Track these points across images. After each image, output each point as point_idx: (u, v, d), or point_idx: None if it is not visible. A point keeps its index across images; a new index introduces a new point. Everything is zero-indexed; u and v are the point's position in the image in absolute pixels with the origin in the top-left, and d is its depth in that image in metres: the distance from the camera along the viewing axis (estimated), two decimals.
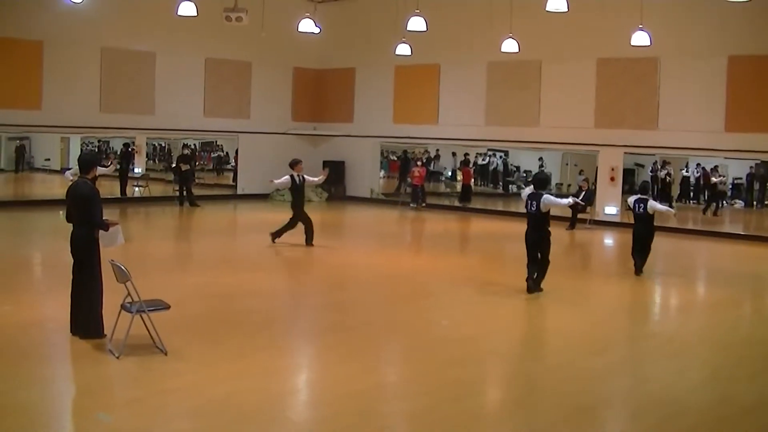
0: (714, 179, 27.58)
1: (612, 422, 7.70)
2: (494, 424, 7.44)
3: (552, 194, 14.69)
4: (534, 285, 13.08)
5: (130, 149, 30.68)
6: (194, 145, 35.48)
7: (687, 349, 10.27)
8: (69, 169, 17.88)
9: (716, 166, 28.09)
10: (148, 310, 8.69)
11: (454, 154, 35.42)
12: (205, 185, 31.62)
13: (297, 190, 17.41)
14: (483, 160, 36.05)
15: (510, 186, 35.26)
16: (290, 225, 17.33)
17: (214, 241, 19.44)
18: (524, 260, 13.23)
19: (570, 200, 15.61)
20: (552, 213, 13.21)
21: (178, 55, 26.00)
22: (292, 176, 17.30)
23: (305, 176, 17.53)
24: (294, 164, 17.54)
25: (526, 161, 35.33)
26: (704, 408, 7.90)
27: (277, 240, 17.31)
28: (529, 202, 13.02)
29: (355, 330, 10.67)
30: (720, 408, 7.92)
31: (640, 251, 15.30)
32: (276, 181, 17.67)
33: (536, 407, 7.74)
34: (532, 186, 13.31)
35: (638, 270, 15.15)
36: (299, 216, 17.29)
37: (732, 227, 25.64)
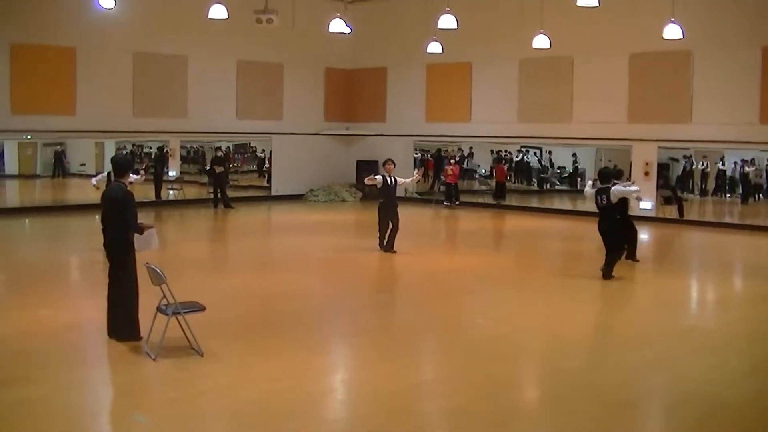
0: None
1: (650, 418, 7.61)
2: (531, 422, 7.41)
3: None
4: (606, 271, 13.58)
5: (164, 152, 30.91)
6: (228, 147, 35.63)
7: (725, 344, 10.15)
8: (96, 175, 17.94)
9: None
10: (184, 312, 8.74)
11: (492, 152, 35.28)
12: (240, 187, 31.75)
13: (385, 191, 16.80)
14: (520, 157, 35.93)
15: (545, 183, 35.04)
16: (382, 227, 16.78)
17: (250, 242, 19.52)
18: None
19: (638, 188, 15.70)
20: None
21: (209, 58, 26.14)
22: (384, 176, 16.86)
23: (396, 177, 16.90)
24: (384, 164, 17.18)
25: (561, 157, 35.09)
26: (743, 402, 7.80)
27: (388, 246, 16.69)
28: (599, 197, 13.70)
29: (391, 329, 10.69)
30: (759, 402, 7.83)
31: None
32: (368, 181, 17.44)
33: (573, 404, 7.68)
34: (591, 182, 14.03)
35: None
36: (385, 218, 16.72)
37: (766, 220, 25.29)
